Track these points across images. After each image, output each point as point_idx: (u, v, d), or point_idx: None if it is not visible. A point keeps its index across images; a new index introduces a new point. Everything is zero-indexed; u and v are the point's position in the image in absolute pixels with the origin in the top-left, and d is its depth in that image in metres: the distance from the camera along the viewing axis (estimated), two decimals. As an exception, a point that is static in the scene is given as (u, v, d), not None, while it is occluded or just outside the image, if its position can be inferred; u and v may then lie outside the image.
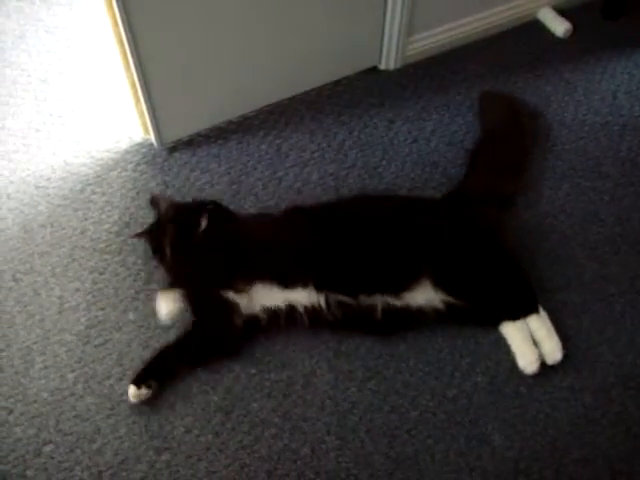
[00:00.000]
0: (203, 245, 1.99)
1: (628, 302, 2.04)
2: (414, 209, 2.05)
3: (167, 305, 1.89)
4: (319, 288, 1.88)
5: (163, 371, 1.89)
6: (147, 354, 1.94)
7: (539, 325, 1.92)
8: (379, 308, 1.89)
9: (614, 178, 2.33)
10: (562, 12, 2.79)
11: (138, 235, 2.12)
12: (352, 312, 1.90)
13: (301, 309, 1.90)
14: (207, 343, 1.94)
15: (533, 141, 2.42)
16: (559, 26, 2.75)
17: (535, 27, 2.81)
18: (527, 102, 2.54)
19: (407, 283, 1.89)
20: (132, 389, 1.83)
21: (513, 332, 1.93)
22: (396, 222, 1.97)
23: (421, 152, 2.41)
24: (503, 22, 2.77)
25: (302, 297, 1.89)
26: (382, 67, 2.66)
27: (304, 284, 1.89)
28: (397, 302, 1.90)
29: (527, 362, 1.88)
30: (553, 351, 1.89)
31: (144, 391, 1.83)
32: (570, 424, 1.83)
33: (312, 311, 1.90)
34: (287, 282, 1.89)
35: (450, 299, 1.91)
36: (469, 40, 2.74)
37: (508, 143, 2.33)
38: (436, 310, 1.92)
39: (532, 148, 2.40)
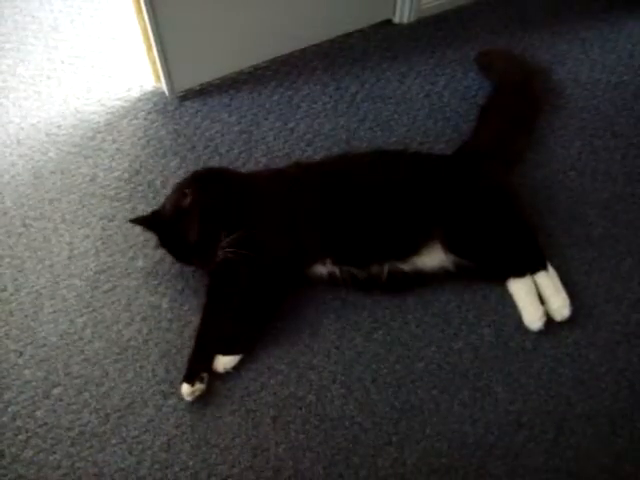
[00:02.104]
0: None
1: (636, 261, 2.03)
2: (424, 170, 2.03)
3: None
4: (336, 263, 1.90)
5: (209, 357, 1.85)
6: (155, 300, 1.97)
7: (547, 282, 1.92)
8: (386, 272, 1.90)
9: (627, 137, 2.31)
10: (580, -31, 2.75)
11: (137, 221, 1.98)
12: (362, 278, 1.92)
13: (315, 276, 1.93)
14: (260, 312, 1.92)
15: (546, 99, 2.40)
16: (577, -17, 2.72)
17: (553, -16, 2.77)
18: (539, 59, 2.52)
19: (417, 247, 1.90)
20: (186, 388, 1.78)
21: (520, 289, 1.93)
22: (406, 184, 1.96)
23: (433, 106, 2.40)
24: (520, -22, 2.73)
25: (319, 269, 1.92)
26: (396, 20, 2.64)
27: (322, 262, 1.91)
28: (405, 266, 1.91)
29: (533, 319, 1.89)
30: (561, 308, 1.89)
31: (198, 386, 1.79)
32: (574, 379, 1.83)
33: (327, 277, 1.93)
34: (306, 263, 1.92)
35: (460, 260, 1.91)
36: (485, -5, 2.70)
37: (517, 100, 2.29)
38: (445, 270, 1.93)
39: (545, 106, 2.38)
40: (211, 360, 1.85)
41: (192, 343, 1.88)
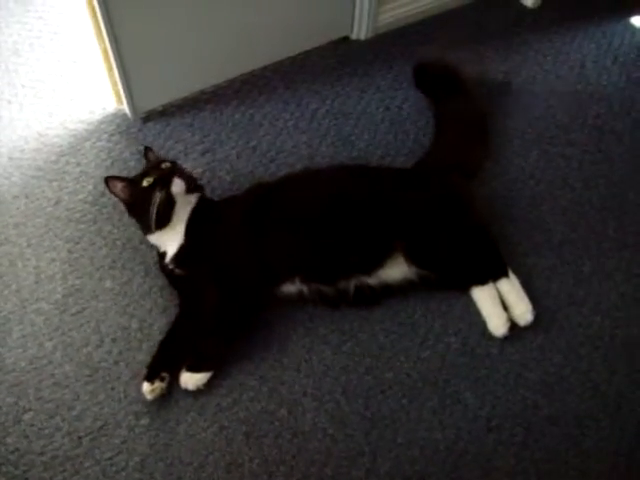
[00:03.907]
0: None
1: (595, 265, 2.08)
2: (385, 183, 2.05)
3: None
4: (304, 281, 1.92)
5: (172, 360, 1.87)
6: (124, 321, 1.97)
7: (509, 288, 1.96)
8: (352, 287, 1.93)
9: (582, 145, 2.37)
10: (531, -18, 2.82)
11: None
12: (330, 295, 1.94)
13: (284, 295, 1.94)
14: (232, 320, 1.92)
15: (502, 109, 2.45)
16: (528, -4, 2.78)
17: (505, -3, 2.84)
18: (495, 71, 2.57)
19: (381, 260, 1.92)
20: (146, 386, 1.81)
21: (483, 297, 1.96)
22: (368, 198, 1.98)
23: (393, 120, 2.43)
24: (474, -8, 2.78)
25: (287, 288, 1.93)
26: (354, 37, 2.68)
27: (291, 281, 1.92)
28: (371, 280, 1.93)
29: (497, 325, 1.92)
30: (524, 313, 1.93)
31: (158, 385, 1.81)
32: (540, 383, 1.87)
33: (296, 296, 1.94)
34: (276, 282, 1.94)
35: (423, 271, 1.94)
36: (440, 10, 2.75)
37: (464, 111, 2.31)
38: (410, 282, 1.96)
39: (501, 116, 2.43)
40: (173, 361, 1.86)
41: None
